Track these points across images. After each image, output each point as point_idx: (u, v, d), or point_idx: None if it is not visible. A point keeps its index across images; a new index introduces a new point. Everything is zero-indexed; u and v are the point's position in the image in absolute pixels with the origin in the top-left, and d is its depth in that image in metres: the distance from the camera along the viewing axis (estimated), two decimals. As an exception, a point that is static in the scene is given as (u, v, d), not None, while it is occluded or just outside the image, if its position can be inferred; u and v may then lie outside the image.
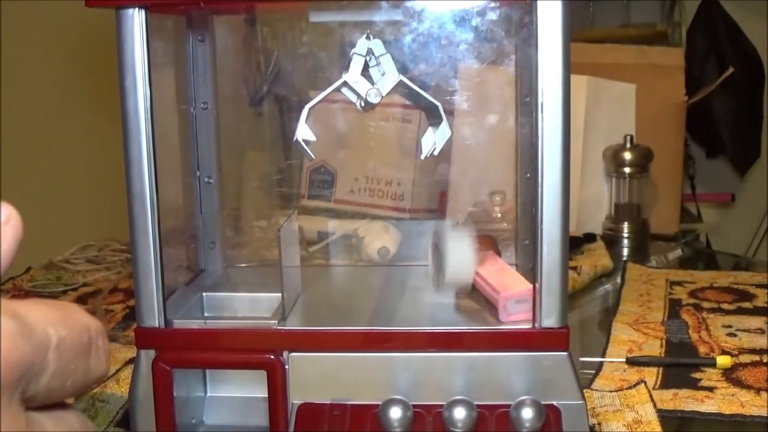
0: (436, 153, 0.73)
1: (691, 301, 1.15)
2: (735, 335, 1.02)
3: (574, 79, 0.74)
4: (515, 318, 0.72)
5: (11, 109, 2.31)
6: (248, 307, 0.80)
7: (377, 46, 0.71)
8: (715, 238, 2.40)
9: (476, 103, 1.00)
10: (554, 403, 0.68)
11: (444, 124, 0.72)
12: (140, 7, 0.66)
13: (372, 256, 1.21)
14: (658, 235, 1.54)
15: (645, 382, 0.88)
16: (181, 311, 0.75)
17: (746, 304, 1.13)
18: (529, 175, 0.78)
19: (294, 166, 1.38)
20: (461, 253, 0.74)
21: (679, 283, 1.23)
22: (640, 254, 1.44)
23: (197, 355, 0.72)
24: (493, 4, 0.76)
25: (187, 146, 0.81)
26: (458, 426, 0.65)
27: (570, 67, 0.65)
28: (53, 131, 2.37)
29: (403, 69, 0.73)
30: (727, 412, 0.82)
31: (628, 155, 1.48)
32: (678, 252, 1.47)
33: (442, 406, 0.67)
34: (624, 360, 0.95)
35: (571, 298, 1.15)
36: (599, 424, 0.80)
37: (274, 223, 1.20)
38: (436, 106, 0.72)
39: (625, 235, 1.48)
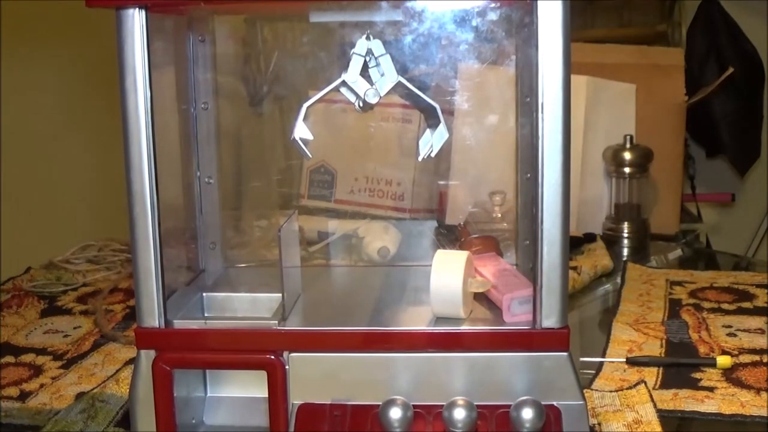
0: (433, 155, 0.73)
1: (691, 301, 1.15)
2: (735, 335, 1.02)
3: (574, 79, 0.74)
4: (519, 319, 0.72)
5: (11, 109, 2.31)
6: (248, 307, 0.80)
7: (377, 46, 0.72)
8: (715, 238, 2.39)
9: (476, 103, 1.00)
10: (554, 403, 0.68)
11: (442, 126, 0.72)
12: (140, 7, 0.66)
13: (372, 256, 1.21)
14: (658, 235, 1.53)
15: (645, 382, 0.88)
16: (181, 311, 0.75)
17: (746, 304, 1.13)
18: (529, 175, 0.78)
19: (294, 166, 1.38)
20: (445, 291, 0.73)
21: (679, 283, 1.23)
22: (640, 254, 1.44)
23: (197, 356, 0.72)
24: (493, 4, 0.76)
25: (187, 146, 0.81)
26: (458, 426, 0.65)
27: (570, 67, 0.66)
28: (53, 131, 2.37)
29: (403, 69, 0.73)
30: (727, 412, 0.82)
31: (628, 155, 1.48)
32: (678, 252, 1.47)
33: (442, 406, 0.67)
34: (624, 360, 0.95)
35: (571, 298, 1.15)
36: (599, 424, 0.80)
37: (274, 223, 1.20)
38: (435, 108, 0.72)
39: (625, 235, 1.48)
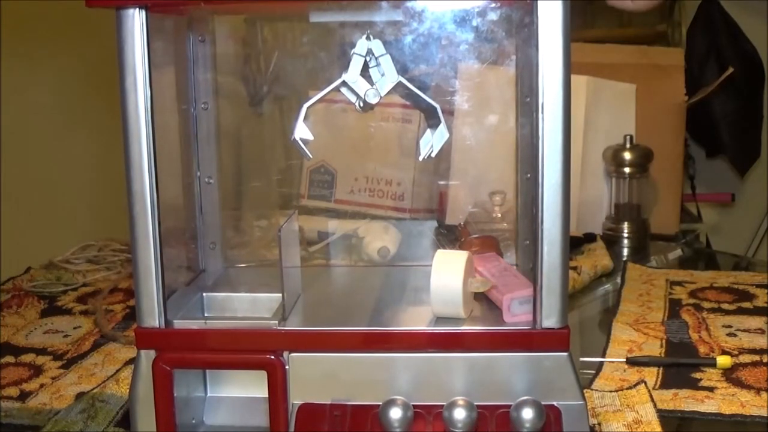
0: (433, 155, 0.73)
1: (691, 301, 1.15)
2: (735, 335, 1.02)
3: (574, 79, 0.74)
4: (519, 319, 0.72)
5: (11, 109, 2.31)
6: (248, 307, 0.80)
7: (377, 46, 0.72)
8: (715, 238, 2.39)
9: (476, 103, 1.00)
10: (554, 403, 0.68)
11: (442, 126, 0.72)
12: (140, 7, 0.66)
13: (372, 256, 1.21)
14: (658, 235, 1.53)
15: (645, 382, 0.88)
16: (181, 311, 0.75)
17: (746, 304, 1.13)
18: (529, 175, 0.78)
19: (294, 166, 1.38)
20: (445, 291, 0.73)
21: (679, 283, 1.23)
22: (640, 254, 1.44)
23: (197, 355, 0.72)
24: (493, 4, 0.76)
25: (187, 146, 0.82)
26: (458, 426, 0.65)
27: (570, 67, 0.66)
28: (53, 131, 2.37)
29: (403, 69, 0.73)
30: (727, 412, 0.82)
31: (628, 155, 1.48)
32: (678, 252, 1.47)
33: (442, 406, 0.67)
34: (624, 360, 0.95)
35: (571, 298, 1.15)
36: (599, 424, 0.80)
37: (274, 223, 1.20)
38: (435, 108, 0.72)
39: (625, 235, 1.48)
